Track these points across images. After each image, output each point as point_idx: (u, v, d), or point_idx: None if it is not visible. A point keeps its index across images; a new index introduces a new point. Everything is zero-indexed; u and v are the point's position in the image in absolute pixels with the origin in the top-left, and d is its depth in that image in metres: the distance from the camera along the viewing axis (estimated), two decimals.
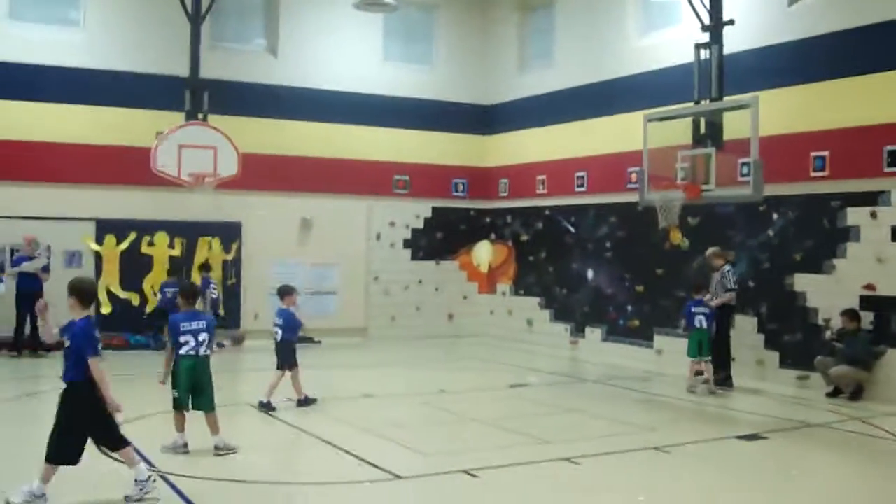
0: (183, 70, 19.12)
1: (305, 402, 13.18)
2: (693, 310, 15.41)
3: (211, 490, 8.67)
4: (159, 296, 19.71)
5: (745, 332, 16.33)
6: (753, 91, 14.28)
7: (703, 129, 15.04)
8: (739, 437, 11.50)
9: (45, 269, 18.48)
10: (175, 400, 10.53)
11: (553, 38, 21.82)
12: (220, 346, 19.90)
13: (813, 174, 15.43)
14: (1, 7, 19.04)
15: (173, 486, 8.74)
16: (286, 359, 13.30)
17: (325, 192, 21.69)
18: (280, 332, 13.41)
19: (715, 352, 15.38)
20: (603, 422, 12.69)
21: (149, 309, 19.90)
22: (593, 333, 19.86)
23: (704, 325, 15.24)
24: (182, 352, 10.40)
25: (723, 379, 15.44)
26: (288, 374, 13.22)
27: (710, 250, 16.23)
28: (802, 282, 15.58)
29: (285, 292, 13.72)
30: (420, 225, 22.98)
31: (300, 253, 21.56)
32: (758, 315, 16.28)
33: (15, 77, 18.88)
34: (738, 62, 15.76)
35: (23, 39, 19.06)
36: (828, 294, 15.14)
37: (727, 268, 15.83)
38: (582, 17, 20.78)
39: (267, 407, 12.88)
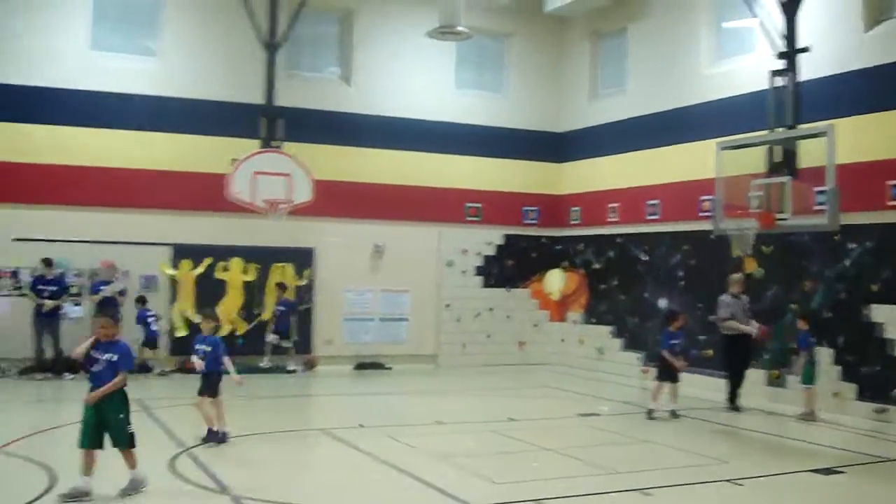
0: (258, 98, 19.38)
1: (216, 437, 12.18)
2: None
3: None
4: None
5: (821, 363, 16.04)
6: (829, 118, 14.15)
7: (777, 158, 14.91)
8: (815, 471, 11.28)
9: (123, 292, 18.86)
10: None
11: (625, 66, 21.79)
12: (292, 371, 20.11)
13: (890, 203, 15.15)
14: (82, 38, 19.47)
15: None
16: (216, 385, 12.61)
17: (398, 219, 21.82)
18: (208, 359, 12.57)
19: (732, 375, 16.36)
20: (675, 453, 12.55)
21: (223, 333, 20.09)
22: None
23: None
24: None
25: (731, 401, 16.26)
26: (208, 400, 12.48)
27: (737, 276, 16.58)
28: (880, 313, 15.28)
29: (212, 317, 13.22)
30: (492, 252, 22.98)
31: (372, 279, 21.69)
32: (834, 346, 16.00)
33: (94, 105, 19.31)
34: (814, 89, 15.59)
35: (102, 69, 19.49)
36: None
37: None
38: (654, 45, 20.73)
39: (221, 438, 12.21)
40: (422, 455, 11.76)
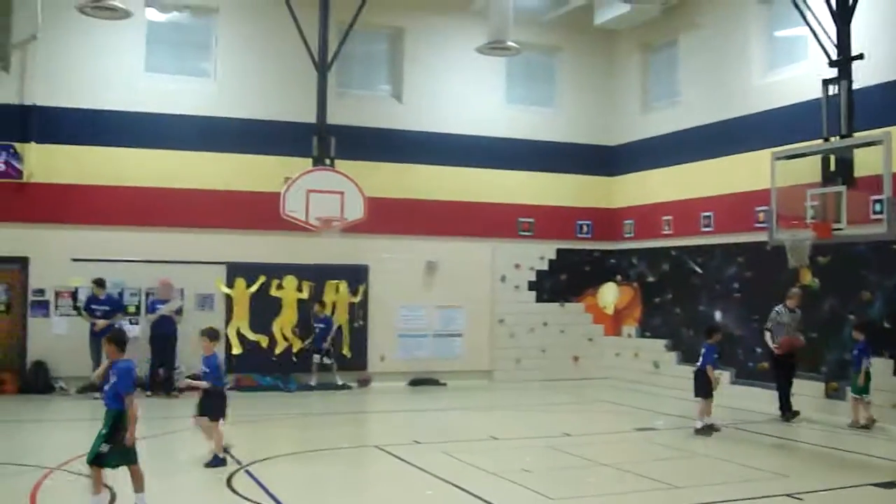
0: (310, 117, 19.50)
1: (217, 462, 11.77)
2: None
3: None
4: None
5: (881, 375, 15.82)
6: (885, 126, 13.97)
7: (832, 167, 14.75)
8: (877, 485, 11.11)
9: (179, 311, 19.08)
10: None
11: (676, 78, 21.70)
12: (347, 387, 20.19)
13: None
14: (137, 61, 19.77)
15: None
16: (220, 406, 12.38)
17: (450, 235, 21.85)
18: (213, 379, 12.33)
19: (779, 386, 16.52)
20: (733, 467, 12.42)
21: (277, 351, 20.27)
22: (722, 376, 19.41)
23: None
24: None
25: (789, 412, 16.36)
26: (212, 423, 12.16)
27: (796, 291, 16.65)
28: None
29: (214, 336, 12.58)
30: (545, 267, 22.93)
31: (425, 295, 21.73)
32: (893, 358, 15.76)
33: (150, 127, 19.59)
34: (868, 97, 15.41)
35: (157, 91, 19.79)
36: None
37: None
38: (705, 56, 20.61)
39: (221, 462, 11.78)
40: (477, 471, 11.74)
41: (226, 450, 11.94)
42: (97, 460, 9.10)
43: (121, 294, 19.03)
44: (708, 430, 14.86)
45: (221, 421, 12.17)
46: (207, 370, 12.28)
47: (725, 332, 19.00)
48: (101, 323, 18.31)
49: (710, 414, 15.08)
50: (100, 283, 18.64)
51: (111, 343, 9.37)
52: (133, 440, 9.07)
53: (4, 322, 18.63)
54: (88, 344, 18.36)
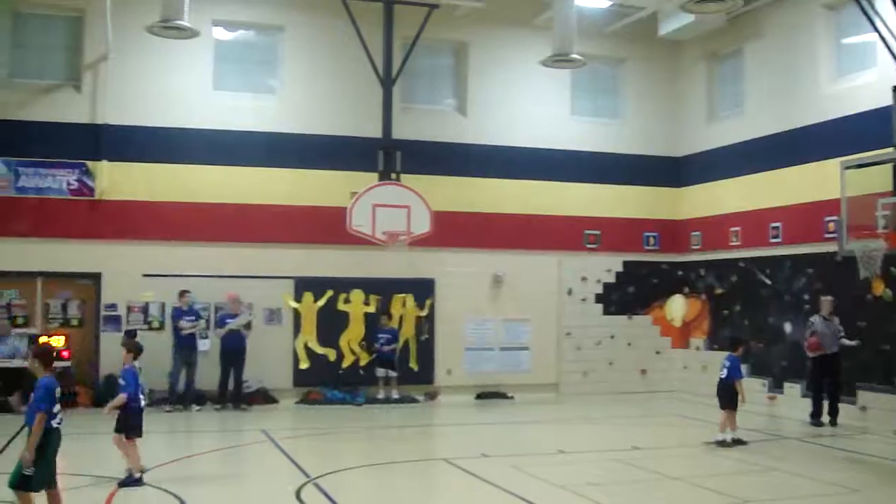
0: (376, 132, 19.67)
1: (131, 481, 11.25)
2: None
3: None
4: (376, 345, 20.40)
5: None
6: None
7: None
8: None
9: (248, 326, 19.28)
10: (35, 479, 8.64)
11: (742, 87, 21.49)
12: (414, 400, 20.25)
13: None
14: (206, 79, 20.07)
15: None
16: (136, 425, 11.60)
17: (516, 248, 21.84)
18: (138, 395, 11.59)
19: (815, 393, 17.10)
20: (804, 481, 12.26)
21: (345, 364, 20.39)
22: (792, 389, 19.22)
23: None
24: (55, 423, 8.77)
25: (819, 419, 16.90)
26: (126, 441, 11.50)
27: (828, 298, 17.20)
28: None
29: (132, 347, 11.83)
30: (612, 279, 22.82)
31: (492, 309, 21.73)
32: None
33: (218, 143, 19.87)
34: None
35: (225, 107, 20.08)
36: None
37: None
38: (772, 65, 20.40)
39: (136, 482, 11.28)
40: (545, 485, 11.72)
41: (143, 471, 11.42)
42: (23, 484, 8.55)
43: (200, 308, 19.25)
44: (733, 443, 14.67)
45: (136, 440, 11.57)
46: (123, 383, 11.51)
47: (795, 344, 18.79)
48: (188, 326, 18.59)
49: (734, 428, 14.86)
50: (185, 294, 18.95)
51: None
52: (28, 459, 8.45)
53: (77, 336, 18.94)
54: (173, 355, 18.65)
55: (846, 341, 17.03)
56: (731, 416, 14.86)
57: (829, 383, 17.16)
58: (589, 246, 22.64)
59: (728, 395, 14.92)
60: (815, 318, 17.29)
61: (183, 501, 10.20)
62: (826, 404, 17.15)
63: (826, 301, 17.33)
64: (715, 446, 14.62)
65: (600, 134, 22.90)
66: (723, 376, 15.00)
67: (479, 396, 21.22)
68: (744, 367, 20.22)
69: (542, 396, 21.53)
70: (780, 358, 19.70)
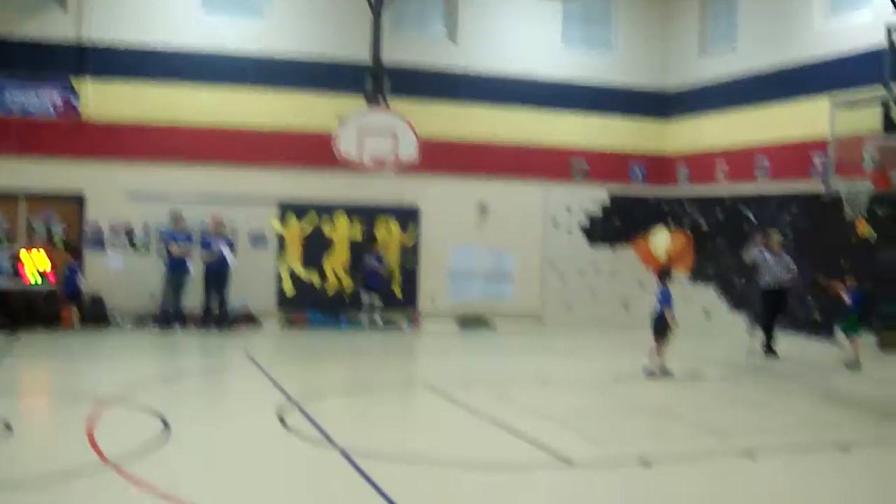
0: (364, 57, 19.51)
1: None
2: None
3: (388, 469, 8.85)
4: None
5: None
6: None
7: (894, 116, 14.51)
8: None
9: (231, 247, 19.16)
10: None
11: (735, 22, 21.34)
12: (397, 327, 20.34)
13: None
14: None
15: (354, 464, 8.96)
16: None
17: (503, 177, 21.83)
18: None
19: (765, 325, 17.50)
20: (782, 416, 12.39)
21: (329, 289, 20.41)
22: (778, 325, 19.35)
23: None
24: None
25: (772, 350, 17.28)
26: None
27: (776, 237, 17.69)
28: None
29: None
30: (597, 211, 22.85)
31: (477, 237, 21.75)
32: None
33: (205, 64, 19.70)
34: None
35: (213, 29, 19.84)
36: None
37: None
38: (765, 1, 20.23)
39: None
40: (526, 413, 11.81)
41: None
42: None
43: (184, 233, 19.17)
44: (660, 372, 14.87)
45: None
46: None
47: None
48: (178, 248, 18.54)
49: (663, 357, 15.04)
50: (177, 215, 18.88)
51: None
52: None
53: (62, 257, 18.85)
54: (164, 276, 18.67)
55: (792, 267, 17.51)
56: (661, 346, 15.05)
57: (777, 317, 17.68)
58: (575, 177, 22.61)
59: (659, 325, 15.11)
60: (766, 254, 17.66)
61: (166, 421, 10.26)
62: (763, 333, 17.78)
63: (775, 237, 17.76)
64: (645, 377, 14.84)
65: (591, 64, 22.75)
66: (656, 307, 15.18)
67: (462, 324, 21.33)
68: (726, 303, 20.61)
69: (525, 326, 21.65)
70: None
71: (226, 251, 18.95)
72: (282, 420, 10.80)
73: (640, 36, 23.25)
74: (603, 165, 22.75)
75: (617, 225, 22.91)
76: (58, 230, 19.13)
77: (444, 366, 16.56)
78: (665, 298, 15.16)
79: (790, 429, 11.59)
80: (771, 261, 17.66)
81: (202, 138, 19.62)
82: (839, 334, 16.49)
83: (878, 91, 14.83)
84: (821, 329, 17.52)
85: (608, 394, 13.56)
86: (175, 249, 18.58)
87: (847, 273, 16.45)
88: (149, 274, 18.96)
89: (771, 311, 17.73)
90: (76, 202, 19.18)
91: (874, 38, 15.64)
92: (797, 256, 18.76)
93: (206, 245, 19.09)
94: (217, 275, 18.94)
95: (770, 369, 16.45)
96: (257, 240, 20.16)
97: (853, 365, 15.95)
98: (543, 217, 22.36)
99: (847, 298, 16.05)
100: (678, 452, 9.91)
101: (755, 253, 17.91)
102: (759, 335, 17.16)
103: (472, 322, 21.38)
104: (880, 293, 16.83)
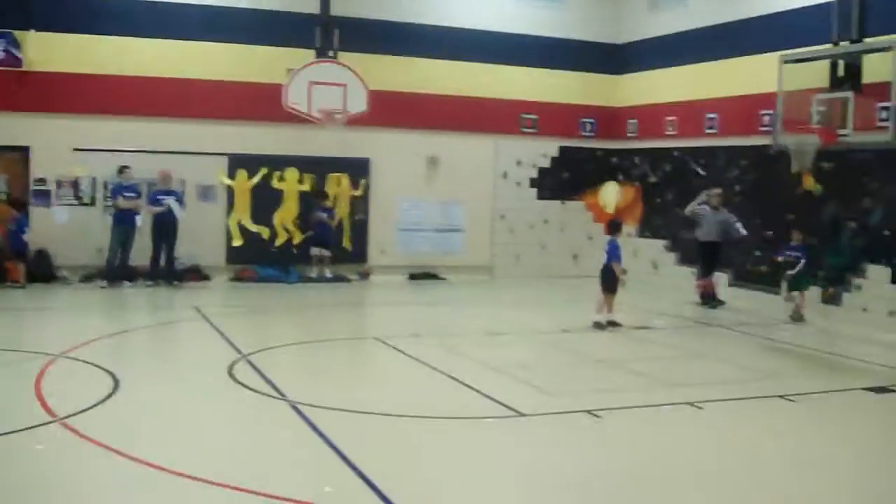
0: (314, 8, 19.32)
1: None
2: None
3: (337, 421, 8.89)
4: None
5: (877, 282, 15.98)
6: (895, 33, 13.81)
7: (840, 72, 14.65)
8: (867, 389, 11.26)
9: (180, 201, 18.98)
10: None
11: None
12: (347, 280, 20.34)
13: None
14: None
15: (303, 416, 8.99)
16: None
17: (453, 130, 21.76)
18: None
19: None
20: (728, 367, 12.60)
21: (278, 243, 20.32)
22: (720, 278, 19.59)
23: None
24: None
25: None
26: None
27: (716, 191, 18.42)
28: None
29: None
30: (547, 164, 22.90)
31: (427, 190, 21.73)
32: (891, 265, 15.85)
33: (152, 15, 19.35)
34: (880, 2, 15.22)
35: None
36: None
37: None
38: None
39: None
40: (476, 364, 11.89)
41: None
42: None
43: (131, 185, 18.87)
44: (608, 325, 15.08)
45: None
46: None
47: (725, 234, 19.07)
48: (125, 203, 18.31)
49: (611, 310, 15.24)
50: (125, 169, 18.63)
51: None
52: None
53: (6, 212, 18.53)
54: (111, 230, 18.42)
55: (740, 228, 18.10)
56: (609, 299, 15.23)
57: (711, 268, 18.53)
58: (525, 130, 22.63)
59: (607, 279, 15.25)
60: (706, 207, 18.40)
61: (115, 377, 10.21)
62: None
63: (715, 193, 18.40)
64: (593, 328, 15.02)
65: (541, 17, 22.66)
66: (604, 260, 15.32)
67: (411, 277, 21.36)
68: (674, 256, 20.81)
69: (475, 278, 21.74)
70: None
71: (174, 205, 18.73)
72: (231, 373, 10.79)
73: None
74: (553, 119, 22.76)
75: (566, 178, 22.96)
76: (1, 184, 18.80)
77: (393, 318, 16.60)
78: (613, 251, 15.27)
79: (736, 379, 11.79)
80: (710, 215, 18.31)
81: (149, 91, 19.28)
82: (785, 288, 16.72)
83: (827, 47, 14.94)
84: (768, 281, 17.71)
85: (557, 345, 13.69)
86: (122, 203, 18.36)
87: (794, 228, 16.72)
88: (95, 228, 18.74)
89: (708, 262, 18.45)
90: (21, 155, 18.83)
91: None
92: (745, 210, 19.00)
93: (153, 199, 18.83)
94: (165, 229, 18.72)
95: (717, 321, 16.67)
96: (206, 193, 19.97)
97: (798, 318, 16.30)
98: (493, 170, 22.37)
99: (786, 257, 16.58)
100: (627, 403, 10.04)
101: (696, 206, 18.60)
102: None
103: (422, 274, 21.41)
104: (823, 247, 17.07)
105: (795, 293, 16.55)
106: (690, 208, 18.73)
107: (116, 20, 19.12)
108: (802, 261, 16.43)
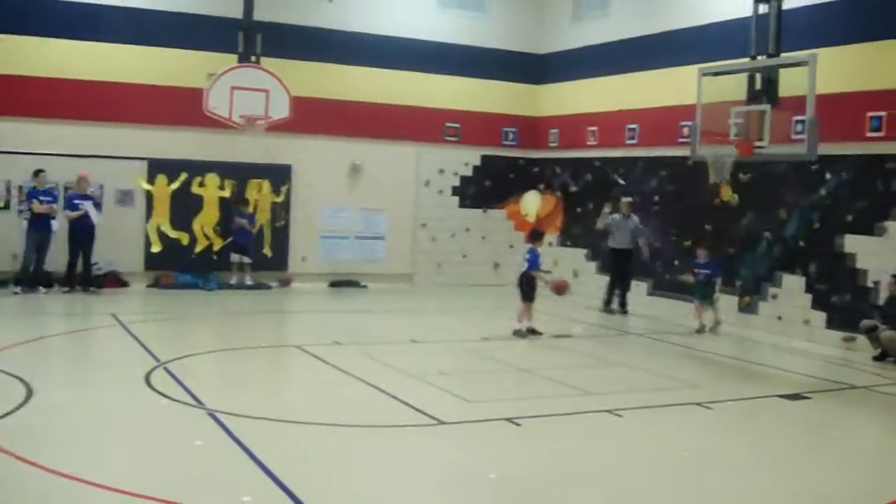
0: (237, 12, 19.12)
1: None
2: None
3: (256, 429, 8.80)
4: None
5: (792, 291, 16.29)
6: (811, 48, 14.07)
7: (758, 86, 14.87)
8: (782, 396, 11.47)
9: (97, 206, 18.67)
10: None
11: None
12: (267, 287, 20.17)
13: (869, 135, 15.19)
14: None
15: (221, 424, 8.88)
16: None
17: (376, 138, 21.71)
18: None
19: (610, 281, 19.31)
20: (646, 375, 12.72)
21: (198, 249, 20.09)
22: (639, 287, 19.79)
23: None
24: None
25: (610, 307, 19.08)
26: None
27: (626, 200, 19.30)
28: (853, 243, 15.41)
29: None
30: (469, 173, 22.96)
31: (349, 197, 21.64)
32: (806, 275, 16.16)
33: (72, 15, 18.99)
34: (797, 18, 15.51)
35: None
36: (878, 256, 14.99)
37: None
38: None
39: None
40: (396, 373, 11.87)
41: None
42: None
43: (47, 188, 18.47)
44: (528, 333, 15.17)
45: None
46: None
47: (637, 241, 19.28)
48: (42, 207, 17.91)
49: (530, 318, 15.34)
50: (41, 173, 18.22)
51: None
52: None
53: None
54: (26, 235, 17.96)
55: (643, 244, 18.92)
56: (528, 307, 15.33)
57: (623, 274, 19.17)
58: (448, 138, 22.67)
59: (525, 287, 15.33)
60: (616, 216, 19.24)
61: (29, 386, 9.99)
62: (618, 293, 19.26)
63: (625, 201, 19.28)
64: (512, 336, 15.10)
65: (465, 26, 22.72)
66: (523, 268, 15.43)
67: (332, 284, 21.25)
68: (594, 265, 20.98)
69: (396, 286, 21.70)
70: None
71: (91, 209, 18.41)
72: (148, 381, 10.63)
73: (515, 0, 23.32)
74: (475, 128, 22.82)
75: (488, 187, 23.05)
76: None
77: (314, 326, 16.50)
78: (534, 260, 15.37)
79: (654, 387, 11.92)
80: (619, 223, 19.10)
81: (67, 93, 18.91)
82: (696, 301, 16.92)
83: (745, 61, 15.16)
84: (686, 290, 17.91)
85: (478, 353, 13.70)
86: (38, 207, 17.97)
87: (699, 245, 17.13)
88: (10, 233, 18.34)
89: (617, 270, 19.18)
90: None
91: (743, 9, 15.94)
92: (664, 219, 19.25)
93: (70, 203, 18.47)
94: (82, 234, 18.37)
95: (636, 329, 16.84)
96: (124, 198, 19.66)
97: (702, 331, 16.58)
98: (416, 178, 22.37)
99: (695, 276, 16.77)
100: (547, 411, 10.08)
101: (606, 218, 19.44)
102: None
103: (342, 282, 21.32)
104: (739, 257, 17.34)
105: (708, 305, 16.75)
106: (601, 221, 19.49)
107: (34, 20, 18.74)
108: (715, 277, 16.71)
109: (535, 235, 15.91)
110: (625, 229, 19.01)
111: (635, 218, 19.09)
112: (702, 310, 16.73)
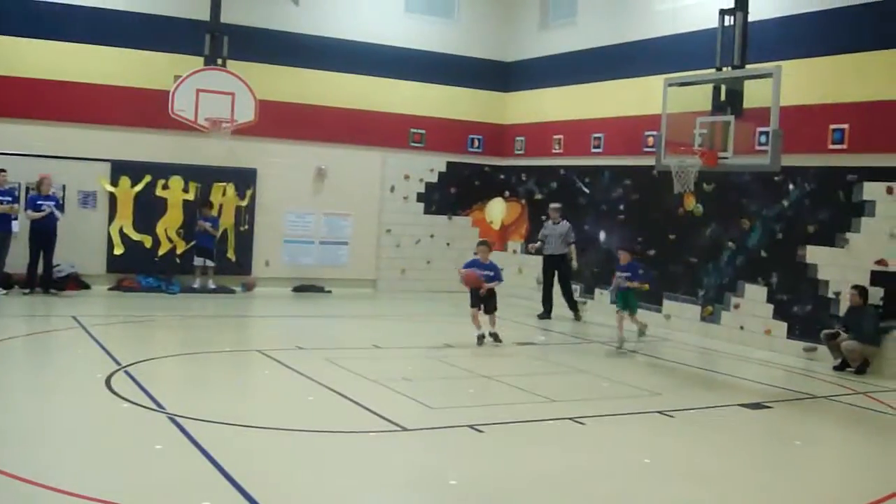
0: (203, 14, 19.04)
1: None
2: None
3: (217, 434, 8.74)
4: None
5: (754, 301, 16.41)
6: (776, 60, 14.17)
7: (723, 97, 14.96)
8: (744, 405, 11.54)
9: (60, 207, 18.49)
10: None
11: None
12: (230, 291, 20.07)
13: (831, 147, 15.33)
14: None
15: (182, 429, 8.81)
16: None
17: (341, 143, 21.67)
18: None
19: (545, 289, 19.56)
20: (609, 384, 12.75)
21: (161, 252, 19.96)
22: (602, 295, 19.88)
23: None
24: None
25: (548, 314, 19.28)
26: None
27: (554, 206, 19.70)
28: (814, 254, 15.55)
29: None
30: (434, 179, 22.96)
31: (314, 202, 21.58)
32: (768, 285, 16.28)
33: (36, 16, 18.82)
34: (763, 30, 15.64)
35: None
36: (839, 267, 15.14)
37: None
38: None
39: None
40: (358, 378, 11.83)
41: None
42: None
43: (7, 188, 18.26)
44: (492, 338, 15.22)
45: None
46: None
47: (608, 252, 19.37)
48: (1, 208, 17.72)
49: (493, 324, 15.35)
50: (1, 173, 17.99)
51: None
52: None
53: None
54: None
55: (570, 252, 19.23)
56: (492, 318, 15.34)
57: (560, 281, 19.49)
58: (413, 144, 22.66)
59: (490, 298, 15.40)
60: (548, 223, 19.64)
61: None
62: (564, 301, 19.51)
63: (554, 208, 19.69)
64: (477, 343, 15.15)
65: (433, 33, 22.75)
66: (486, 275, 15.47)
67: (296, 289, 21.18)
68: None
69: (360, 292, 21.67)
70: (592, 265, 20.25)
71: (53, 211, 18.23)
72: (109, 385, 10.53)
73: (482, 7, 23.36)
74: (441, 134, 22.84)
75: (453, 193, 23.07)
76: None
77: (276, 331, 16.45)
78: (494, 268, 15.43)
79: (617, 395, 11.95)
80: (550, 230, 19.44)
81: (29, 93, 18.74)
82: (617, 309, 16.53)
83: (710, 72, 15.26)
84: (649, 300, 17.98)
85: (441, 360, 13.68)
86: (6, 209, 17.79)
87: (621, 249, 16.81)
88: None
89: (549, 276, 19.50)
90: None
91: (709, 21, 16.05)
92: (628, 228, 19.33)
93: (32, 204, 18.27)
94: (43, 235, 18.18)
95: (599, 338, 16.88)
96: (87, 200, 19.49)
97: (620, 346, 15.89)
98: (381, 183, 22.34)
99: (623, 281, 16.05)
100: (509, 418, 10.08)
101: (537, 239, 19.79)
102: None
103: (306, 287, 21.25)
104: (703, 266, 17.45)
105: (630, 313, 16.10)
106: (535, 246, 19.76)
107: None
108: (634, 279, 15.97)
109: (484, 246, 16.08)
110: (556, 235, 19.28)
111: (566, 223, 19.36)
112: (623, 318, 16.02)
